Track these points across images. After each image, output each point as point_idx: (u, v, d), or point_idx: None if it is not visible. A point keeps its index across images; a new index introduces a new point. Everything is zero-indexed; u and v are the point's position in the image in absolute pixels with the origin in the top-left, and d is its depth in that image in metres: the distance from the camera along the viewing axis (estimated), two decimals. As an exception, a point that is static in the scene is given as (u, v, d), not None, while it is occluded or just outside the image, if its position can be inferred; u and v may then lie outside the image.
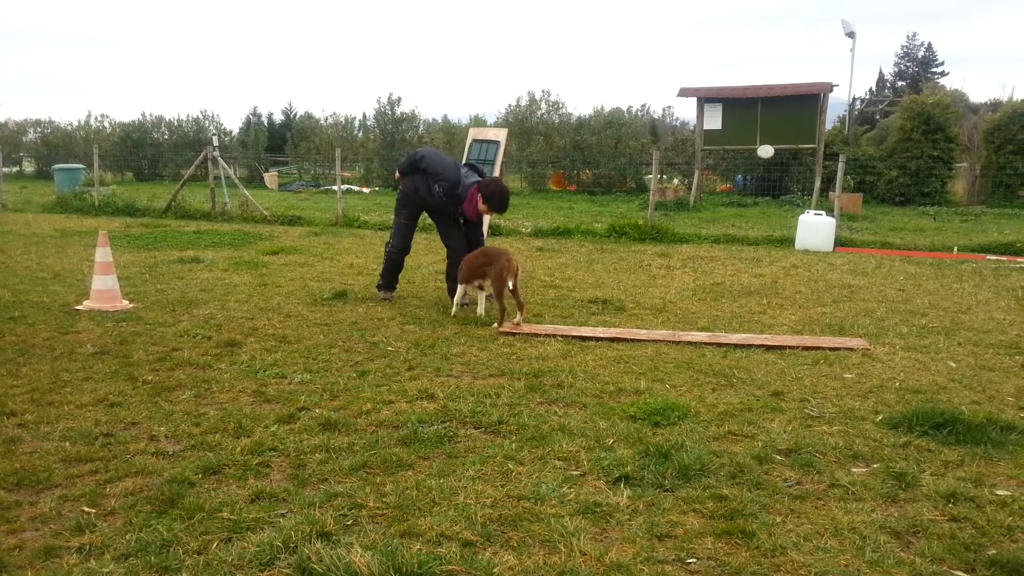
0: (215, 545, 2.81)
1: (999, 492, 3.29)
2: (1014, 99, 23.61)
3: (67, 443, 3.73)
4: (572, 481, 3.38)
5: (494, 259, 6.34)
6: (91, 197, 17.18)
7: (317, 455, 3.63)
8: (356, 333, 6.01)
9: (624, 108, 35.26)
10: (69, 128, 35.78)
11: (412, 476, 3.40)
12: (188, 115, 35.54)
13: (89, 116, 36.61)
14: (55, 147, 33.77)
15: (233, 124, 43.53)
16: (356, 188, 27.02)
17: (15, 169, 34.64)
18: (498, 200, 6.88)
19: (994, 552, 2.80)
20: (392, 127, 30.29)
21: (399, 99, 30.29)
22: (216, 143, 17.21)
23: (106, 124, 35.57)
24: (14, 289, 7.53)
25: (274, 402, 4.38)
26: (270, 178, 29.85)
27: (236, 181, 16.84)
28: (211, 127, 33.88)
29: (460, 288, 6.70)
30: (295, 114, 39.81)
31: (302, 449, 3.69)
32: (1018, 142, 21.34)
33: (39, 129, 36.56)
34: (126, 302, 6.90)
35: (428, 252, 10.89)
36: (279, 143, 36.29)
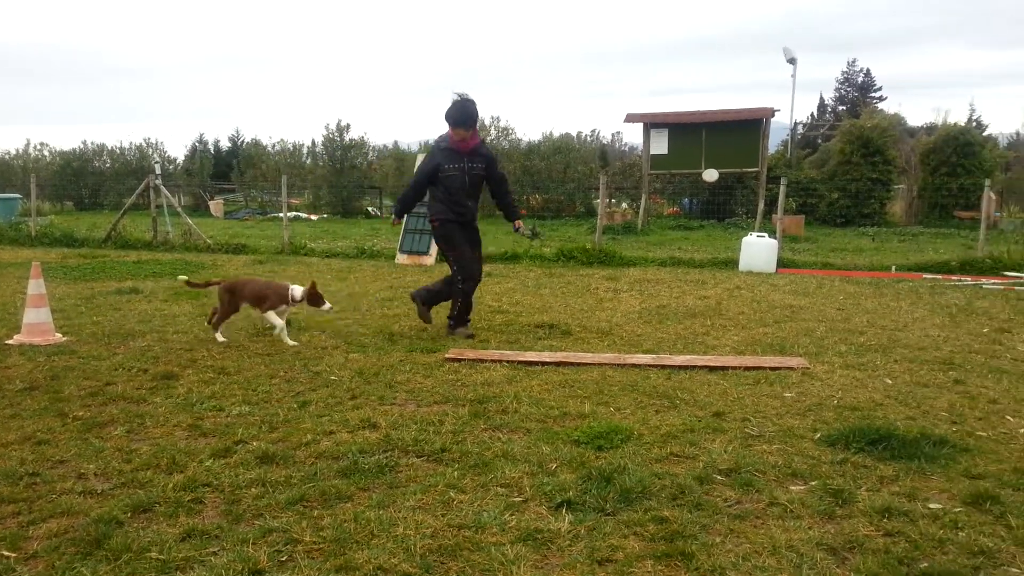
0: (142, 586, 2.71)
1: (931, 506, 3.35)
2: (948, 123, 24.49)
3: (-11, 484, 3.58)
4: (514, 508, 3.34)
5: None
6: (27, 228, 16.74)
7: (253, 489, 3.53)
8: (298, 362, 5.91)
9: (574, 133, 35.72)
10: (7, 157, 34.96)
11: (351, 508, 3.33)
12: (131, 143, 34.98)
13: (28, 144, 35.85)
14: (-9, 177, 32.90)
15: (178, 152, 42.97)
16: (304, 215, 26.79)
17: (-51, 200, 33.58)
18: (451, 111, 6.65)
19: (926, 565, 2.85)
20: (341, 153, 30.15)
21: (348, 125, 30.21)
22: (159, 171, 16.91)
23: (46, 153, 34.90)
24: (-59, 324, 7.25)
25: (210, 436, 4.27)
26: (215, 206, 29.46)
27: (179, 209, 16.57)
28: (154, 155, 33.35)
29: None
30: (242, 141, 39.46)
31: (237, 484, 3.59)
32: (952, 164, 22.13)
33: (-27, 158, 35.63)
34: (59, 335, 6.69)
35: (375, 279, 10.80)
36: (225, 170, 35.88)
